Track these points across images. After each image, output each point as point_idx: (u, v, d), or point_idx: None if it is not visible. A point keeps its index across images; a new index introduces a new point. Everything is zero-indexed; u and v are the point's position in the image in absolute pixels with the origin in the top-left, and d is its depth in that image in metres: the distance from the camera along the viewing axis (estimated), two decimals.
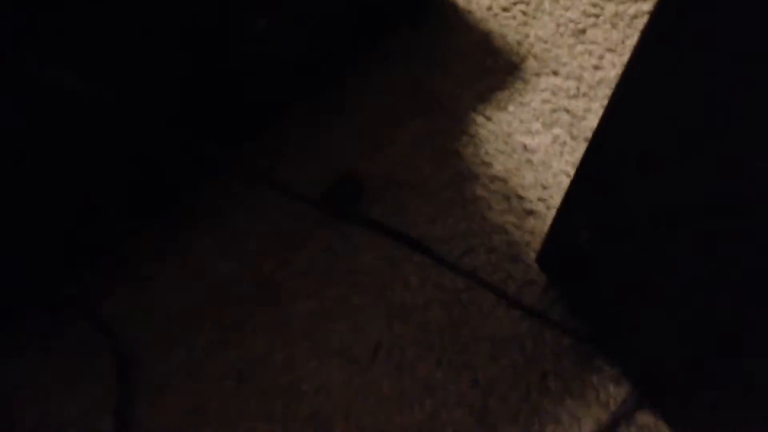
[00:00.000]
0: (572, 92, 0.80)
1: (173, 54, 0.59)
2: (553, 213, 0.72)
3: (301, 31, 0.70)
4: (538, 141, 0.77)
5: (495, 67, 0.83)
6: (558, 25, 0.86)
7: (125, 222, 0.67)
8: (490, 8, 0.88)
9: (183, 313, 0.66)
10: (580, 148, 0.76)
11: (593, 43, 0.84)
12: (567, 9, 0.87)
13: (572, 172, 0.74)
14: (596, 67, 0.82)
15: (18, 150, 0.53)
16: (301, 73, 0.76)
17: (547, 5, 0.88)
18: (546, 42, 0.85)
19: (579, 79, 0.81)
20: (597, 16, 0.86)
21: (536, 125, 0.78)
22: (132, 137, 0.60)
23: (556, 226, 0.65)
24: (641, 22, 0.85)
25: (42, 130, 0.53)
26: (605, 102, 0.79)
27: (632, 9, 0.87)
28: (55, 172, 0.56)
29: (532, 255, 0.69)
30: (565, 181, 0.74)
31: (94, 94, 0.46)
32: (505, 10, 0.88)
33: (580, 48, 0.84)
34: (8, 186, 0.54)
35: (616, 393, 0.65)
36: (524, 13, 0.87)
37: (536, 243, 0.70)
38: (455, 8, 0.89)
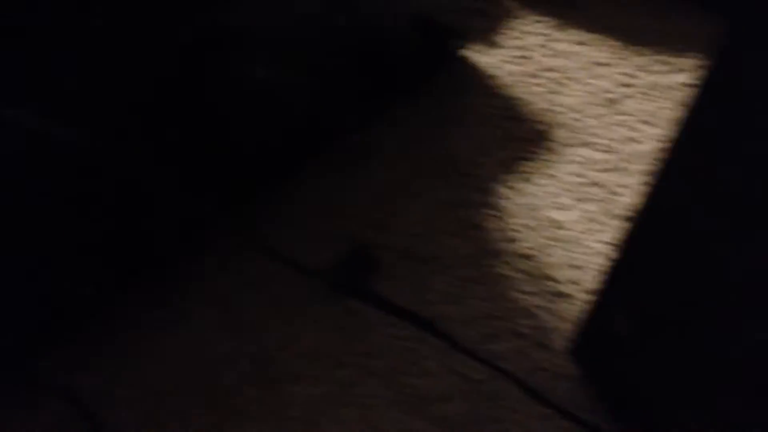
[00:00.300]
0: (604, 165, 0.75)
1: (166, 102, 0.54)
2: (585, 297, 0.65)
3: (303, 84, 0.65)
4: (568, 216, 0.71)
5: (520, 135, 0.78)
6: (589, 94, 0.81)
7: (109, 288, 0.61)
8: (515, 73, 0.84)
9: (173, 392, 0.60)
10: (614, 226, 0.70)
11: (626, 114, 0.79)
12: (598, 78, 0.83)
13: (605, 251, 0.68)
14: (630, 140, 0.77)
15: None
16: (307, 130, 0.71)
17: (577, 73, 0.84)
18: (576, 111, 0.80)
19: (611, 151, 0.76)
20: (630, 86, 0.82)
21: (565, 199, 0.72)
22: (118, 193, 0.54)
23: (590, 312, 0.58)
24: (677, 93, 0.81)
25: (20, 184, 0.47)
26: (640, 177, 0.74)
27: (667, 80, 0.82)
28: (30, 228, 0.50)
29: (563, 343, 0.63)
30: (597, 262, 0.68)
31: (80, 144, 0.40)
32: (533, 76, 0.83)
33: (612, 119, 0.79)
34: None
35: None
36: (553, 80, 0.83)
37: (567, 329, 0.63)
38: (478, 70, 0.84)
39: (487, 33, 0.87)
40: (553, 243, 0.69)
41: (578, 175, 0.74)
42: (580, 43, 0.87)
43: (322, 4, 0.61)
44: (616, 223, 0.70)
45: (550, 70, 0.84)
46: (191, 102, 0.54)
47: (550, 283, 0.67)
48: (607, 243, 0.69)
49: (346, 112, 0.73)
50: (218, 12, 0.53)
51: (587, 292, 0.66)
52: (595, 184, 0.73)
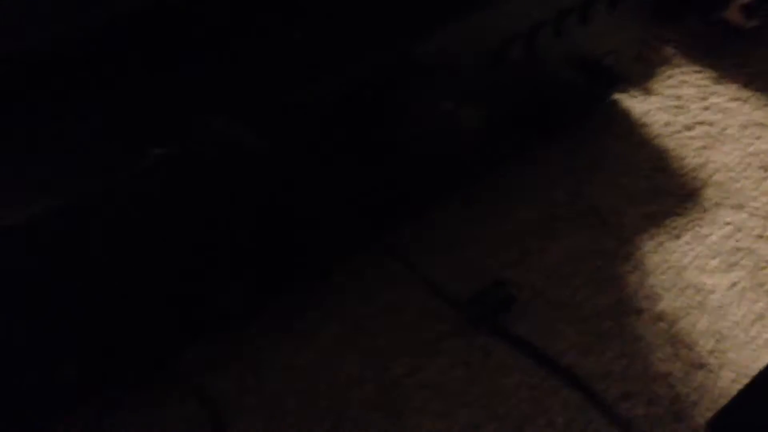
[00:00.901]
0: (759, 232, 0.71)
1: (349, 121, 0.54)
2: (727, 373, 0.62)
3: (477, 117, 0.64)
4: (715, 282, 0.68)
5: (668, 189, 0.75)
6: (745, 155, 0.78)
7: (259, 295, 0.61)
8: (668, 123, 0.81)
9: (297, 407, 0.59)
10: (766, 300, 0.66)
11: None
12: (757, 138, 0.79)
13: (754, 325, 0.65)
14: None
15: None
16: (467, 162, 0.70)
17: (734, 130, 0.80)
18: (730, 171, 0.76)
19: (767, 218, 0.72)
20: None
21: (713, 263, 0.69)
22: (290, 205, 0.54)
23: (739, 396, 0.55)
24: None
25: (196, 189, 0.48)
26: None
27: None
28: (212, 229, 0.51)
29: (700, 420, 0.60)
30: (743, 337, 0.64)
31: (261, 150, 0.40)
32: (686, 128, 0.80)
33: None
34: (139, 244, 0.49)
35: None
36: (708, 135, 0.80)
37: (706, 404, 0.60)
38: (630, 116, 0.81)
39: (642, 79, 0.84)
40: (696, 308, 0.66)
41: (729, 239, 0.71)
42: (739, 100, 0.83)
43: (502, 40, 0.60)
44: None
45: (706, 124, 0.81)
46: (374, 124, 0.54)
47: (690, 350, 0.64)
48: (756, 316, 0.65)
49: (504, 146, 0.72)
50: (412, 40, 0.52)
51: (731, 366, 0.62)
52: (747, 250, 0.70)
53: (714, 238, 0.71)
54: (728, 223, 0.72)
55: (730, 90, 0.84)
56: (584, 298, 0.67)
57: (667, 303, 0.67)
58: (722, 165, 0.77)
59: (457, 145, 0.66)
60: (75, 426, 0.56)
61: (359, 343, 0.63)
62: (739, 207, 0.73)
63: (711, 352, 0.64)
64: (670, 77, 0.85)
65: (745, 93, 0.84)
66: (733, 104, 0.83)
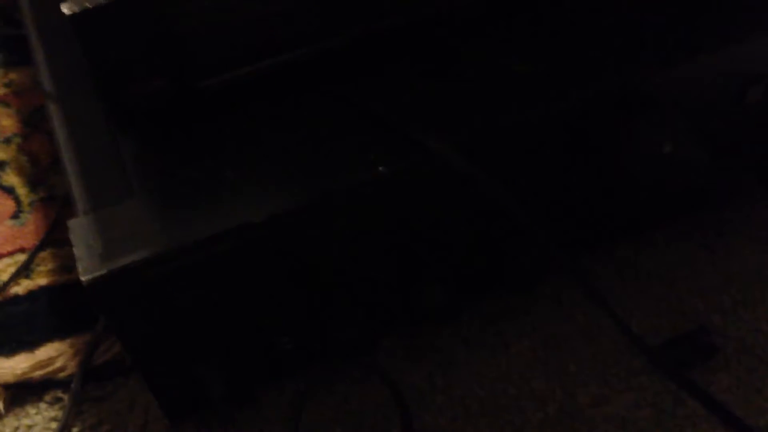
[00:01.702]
0: None
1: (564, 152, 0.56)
2: None
3: (698, 161, 0.63)
4: None
5: None
6: None
7: (448, 297, 0.65)
8: None
9: (480, 414, 0.62)
10: None
11: None
12: None
13: None
14: None
15: None
16: (678, 202, 0.68)
17: None
18: None
19: None
20: None
21: None
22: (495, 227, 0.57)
23: None
24: None
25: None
26: None
27: None
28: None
29: None
30: None
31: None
32: None
33: None
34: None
35: None
36: None
37: None
38: None
39: None
40: None
41: None
42: None
43: (736, 81, 0.58)
44: None
45: None
46: (592, 150, 0.55)
47: None
48: None
49: (731, 187, 0.69)
50: (641, 73, 0.53)
51: None
52: None
53: None
54: None
55: None
56: None
57: None
58: None
59: (676, 179, 0.65)
60: (284, 396, 0.63)
61: (549, 362, 0.65)
62: None
63: None
64: None
65: None
66: None
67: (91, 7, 0.39)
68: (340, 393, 0.64)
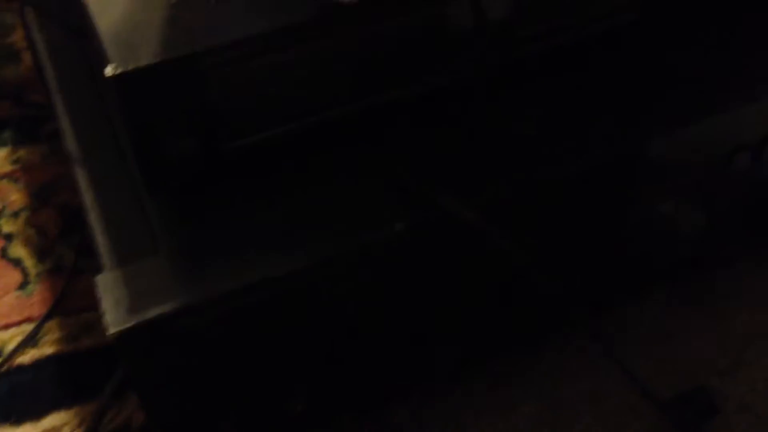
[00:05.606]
0: None
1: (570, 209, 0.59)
2: None
3: (697, 222, 0.66)
4: None
5: None
6: None
7: (455, 359, 0.66)
8: None
9: None
10: None
11: None
12: None
13: None
14: None
15: None
16: (679, 261, 0.71)
17: None
18: None
19: None
20: None
21: None
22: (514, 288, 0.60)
23: None
24: None
25: None
26: None
27: None
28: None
29: None
30: None
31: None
32: None
33: None
34: None
35: None
36: None
37: None
38: None
39: None
40: None
41: None
42: None
43: (728, 147, 0.62)
44: None
45: None
46: (595, 210, 0.58)
47: None
48: None
49: (729, 248, 0.72)
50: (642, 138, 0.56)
51: None
52: None
53: None
54: None
55: None
56: None
57: None
58: None
59: (675, 241, 0.67)
60: None
61: (555, 425, 0.65)
62: None
63: None
64: None
65: None
66: None
67: (133, 68, 0.42)
68: None
